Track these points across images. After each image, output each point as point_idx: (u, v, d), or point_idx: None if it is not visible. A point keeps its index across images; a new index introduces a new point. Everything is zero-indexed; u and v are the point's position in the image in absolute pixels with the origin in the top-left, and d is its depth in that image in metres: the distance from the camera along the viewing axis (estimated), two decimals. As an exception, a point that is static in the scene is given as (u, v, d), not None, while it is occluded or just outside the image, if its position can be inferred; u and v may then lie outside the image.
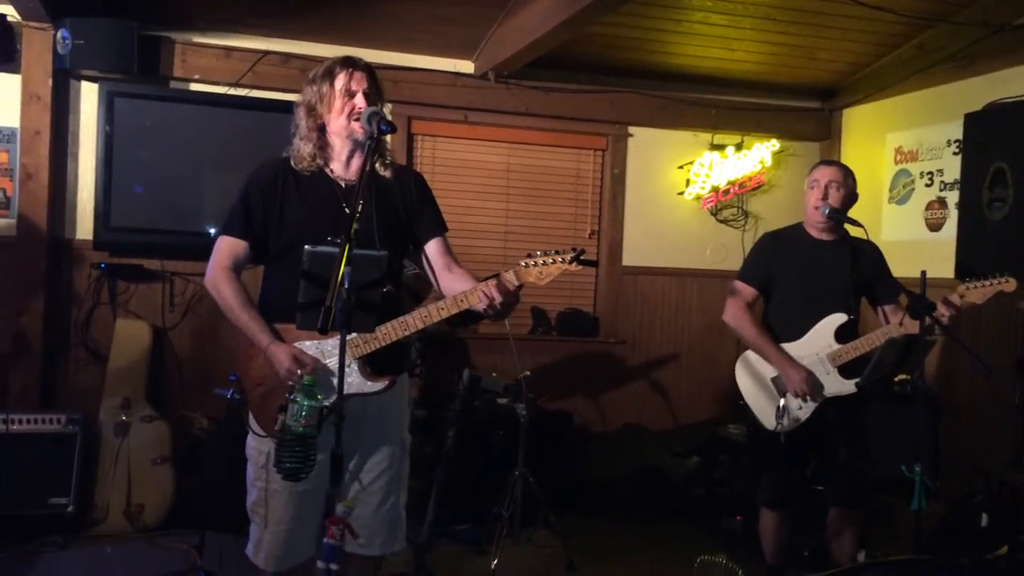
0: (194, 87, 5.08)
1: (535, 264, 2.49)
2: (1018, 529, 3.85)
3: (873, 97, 5.79)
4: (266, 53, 5.12)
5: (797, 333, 3.59)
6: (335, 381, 2.20)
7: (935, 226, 5.30)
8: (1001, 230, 4.11)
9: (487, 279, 2.50)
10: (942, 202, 5.27)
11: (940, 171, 5.29)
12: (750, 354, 3.69)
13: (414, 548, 4.07)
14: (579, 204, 5.95)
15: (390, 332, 2.50)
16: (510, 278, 2.48)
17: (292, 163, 2.64)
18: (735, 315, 3.68)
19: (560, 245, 5.99)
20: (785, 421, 3.49)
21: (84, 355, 4.93)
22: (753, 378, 3.64)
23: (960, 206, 4.54)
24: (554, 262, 2.48)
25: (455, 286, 2.61)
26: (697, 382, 5.99)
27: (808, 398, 3.47)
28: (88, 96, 4.91)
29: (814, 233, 3.66)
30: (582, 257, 2.48)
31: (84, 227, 4.93)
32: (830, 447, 3.61)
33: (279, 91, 5.05)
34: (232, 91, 5.08)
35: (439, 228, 2.77)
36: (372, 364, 2.54)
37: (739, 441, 4.97)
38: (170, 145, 4.90)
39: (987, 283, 3.39)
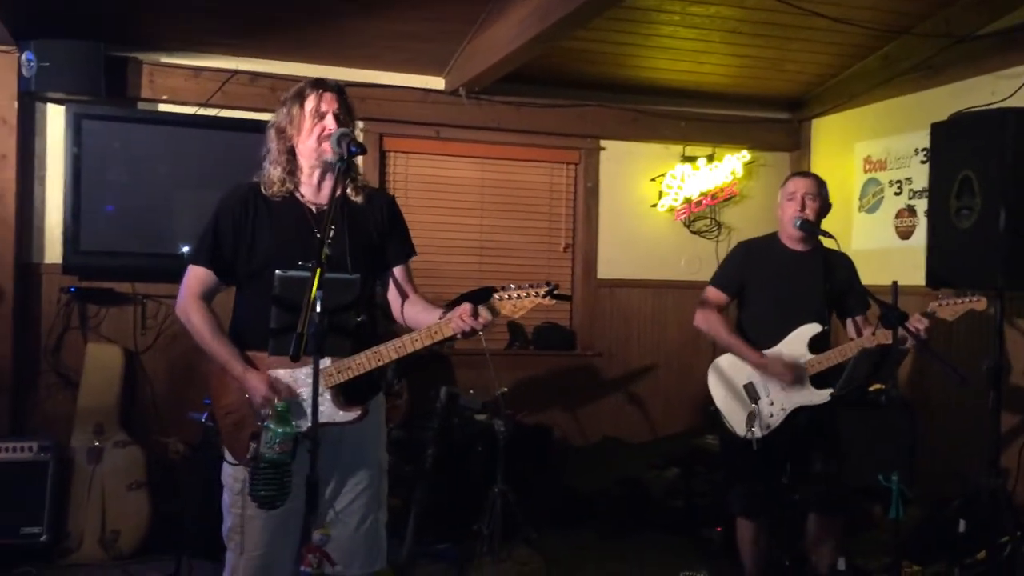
0: (163, 108, 5.04)
1: (509, 297, 2.53)
2: (995, 534, 3.88)
3: (841, 107, 5.86)
4: (235, 73, 5.09)
5: (770, 342, 3.62)
6: (309, 409, 2.18)
7: (905, 234, 5.36)
8: (969, 238, 4.15)
9: (453, 303, 2.51)
10: (911, 210, 5.33)
11: (909, 179, 5.35)
12: (721, 361, 3.71)
13: (394, 568, 4.03)
14: (553, 218, 5.96)
15: (364, 363, 2.50)
16: (484, 314, 2.49)
17: (262, 188, 2.62)
18: (706, 318, 3.71)
19: (535, 260, 6.03)
20: (756, 428, 3.51)
21: (55, 381, 4.85)
22: (725, 385, 3.66)
23: (929, 215, 4.59)
24: (528, 296, 2.52)
25: (419, 316, 2.65)
26: (674, 393, 5.99)
27: (792, 384, 3.50)
28: (55, 118, 4.86)
29: (788, 244, 3.69)
30: (556, 292, 2.53)
31: (53, 251, 4.87)
32: (803, 455, 3.63)
33: (248, 110, 5.03)
34: (201, 111, 5.04)
35: (406, 253, 2.80)
36: (345, 393, 2.53)
37: (717, 452, 4.96)
38: (140, 167, 4.86)
39: (958, 301, 3.45)
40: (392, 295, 2.77)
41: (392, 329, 2.83)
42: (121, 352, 4.85)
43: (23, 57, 4.60)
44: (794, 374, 3.51)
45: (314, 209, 2.62)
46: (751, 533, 3.74)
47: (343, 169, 2.47)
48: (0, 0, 4.09)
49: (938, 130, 4.47)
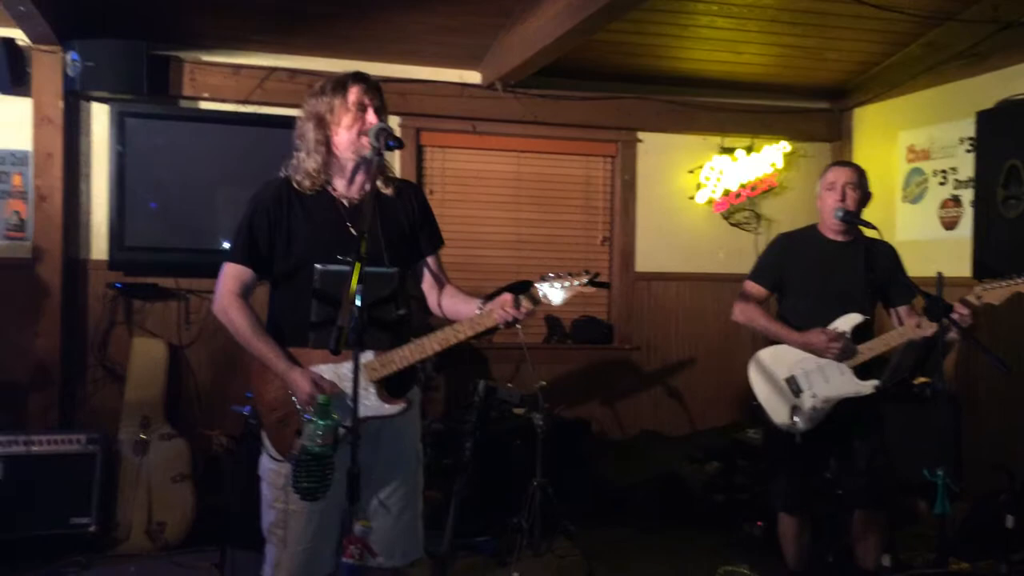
0: (204, 105, 5.12)
1: (551, 287, 2.53)
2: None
3: (883, 96, 5.76)
4: (274, 70, 5.15)
5: (811, 334, 3.57)
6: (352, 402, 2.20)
7: (950, 224, 5.26)
8: (1017, 228, 4.08)
9: (494, 295, 2.52)
10: (956, 200, 5.22)
11: (954, 169, 5.25)
12: (763, 354, 3.66)
13: (434, 560, 4.06)
14: (590, 211, 5.94)
15: (407, 355, 2.52)
16: (525, 303, 2.50)
17: (294, 182, 2.61)
18: (743, 309, 3.67)
19: (572, 253, 6.03)
20: (799, 421, 3.47)
21: (102, 375, 4.95)
22: (766, 379, 3.62)
23: (975, 204, 4.51)
24: (569, 284, 2.51)
25: (458, 307, 2.67)
26: (714, 386, 5.95)
27: (838, 356, 3.44)
28: (99, 117, 4.95)
29: (829, 235, 3.64)
30: (596, 279, 2.54)
31: (99, 247, 4.97)
32: (847, 449, 3.58)
33: (288, 107, 5.04)
34: (242, 108, 5.11)
35: (437, 244, 2.81)
36: (389, 387, 2.54)
37: (758, 445, 4.93)
38: (182, 164, 4.94)
39: (1004, 283, 3.36)
40: (427, 286, 2.78)
41: (427, 322, 2.85)
42: (165, 346, 4.94)
43: (68, 57, 4.69)
44: (841, 345, 3.44)
45: (346, 203, 2.62)
46: (794, 529, 3.70)
47: (379, 164, 2.48)
48: (46, 1, 4.16)
49: (984, 118, 4.40)
